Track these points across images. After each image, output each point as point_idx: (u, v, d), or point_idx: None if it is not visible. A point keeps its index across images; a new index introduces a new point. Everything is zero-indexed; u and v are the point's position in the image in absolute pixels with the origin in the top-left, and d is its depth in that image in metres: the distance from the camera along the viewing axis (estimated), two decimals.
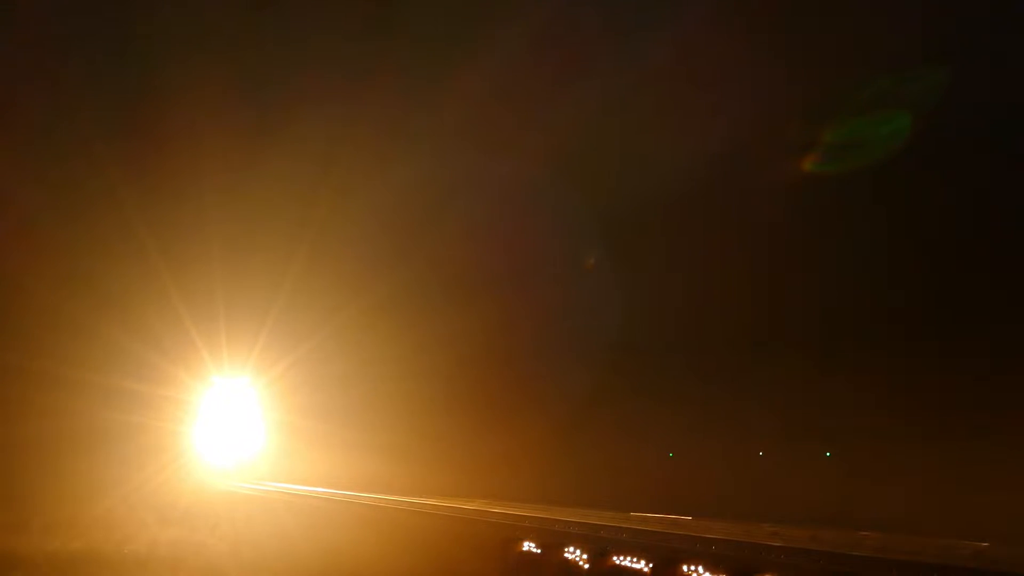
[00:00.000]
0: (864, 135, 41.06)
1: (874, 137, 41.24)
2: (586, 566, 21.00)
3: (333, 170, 45.45)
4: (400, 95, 45.67)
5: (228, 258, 46.41)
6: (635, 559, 20.30)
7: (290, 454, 49.72)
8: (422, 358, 44.84)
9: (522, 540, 22.25)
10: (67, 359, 44.49)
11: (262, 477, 47.15)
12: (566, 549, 21.38)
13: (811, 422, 39.02)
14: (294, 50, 47.39)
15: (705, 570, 19.39)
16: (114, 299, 46.41)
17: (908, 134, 39.52)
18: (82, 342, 45.17)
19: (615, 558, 20.54)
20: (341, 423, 46.49)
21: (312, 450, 47.63)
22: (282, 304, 46.13)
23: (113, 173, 45.27)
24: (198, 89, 44.89)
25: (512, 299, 45.23)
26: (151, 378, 46.39)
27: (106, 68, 48.03)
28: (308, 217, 46.46)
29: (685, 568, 19.48)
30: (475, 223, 44.81)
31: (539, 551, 21.97)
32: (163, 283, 46.03)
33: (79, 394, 43.43)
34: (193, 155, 45.42)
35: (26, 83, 47.14)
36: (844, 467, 36.66)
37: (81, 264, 46.40)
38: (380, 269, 46.48)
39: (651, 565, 19.99)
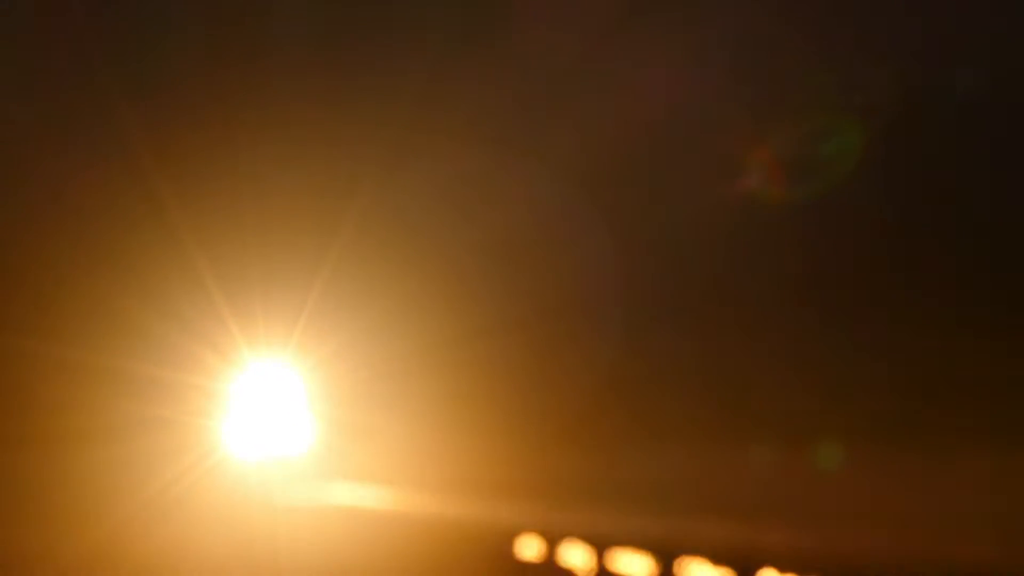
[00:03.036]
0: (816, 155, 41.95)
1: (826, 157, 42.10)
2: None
3: (383, 132, 44.58)
4: (456, 67, 45.57)
5: (265, 235, 44.60)
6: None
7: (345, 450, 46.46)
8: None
9: None
10: (75, 341, 42.04)
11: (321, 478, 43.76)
12: None
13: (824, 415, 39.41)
14: (345, 15, 46.94)
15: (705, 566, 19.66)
16: (133, 270, 44.17)
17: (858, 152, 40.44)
18: (96, 320, 42.95)
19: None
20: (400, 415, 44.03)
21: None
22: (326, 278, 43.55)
23: (137, 139, 43.88)
24: (233, 55, 44.06)
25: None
26: (172, 362, 43.49)
27: (138, 33, 46.90)
28: (355, 185, 45.22)
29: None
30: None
31: None
32: (190, 254, 43.75)
33: (89, 383, 41.25)
34: (227, 121, 44.34)
35: (53, 48, 45.78)
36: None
37: (102, 235, 44.56)
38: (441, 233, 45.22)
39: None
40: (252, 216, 46.80)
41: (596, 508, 27.03)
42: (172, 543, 29.91)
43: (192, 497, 41.65)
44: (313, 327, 45.97)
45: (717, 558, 19.83)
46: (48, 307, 46.36)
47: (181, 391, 45.52)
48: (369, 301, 45.76)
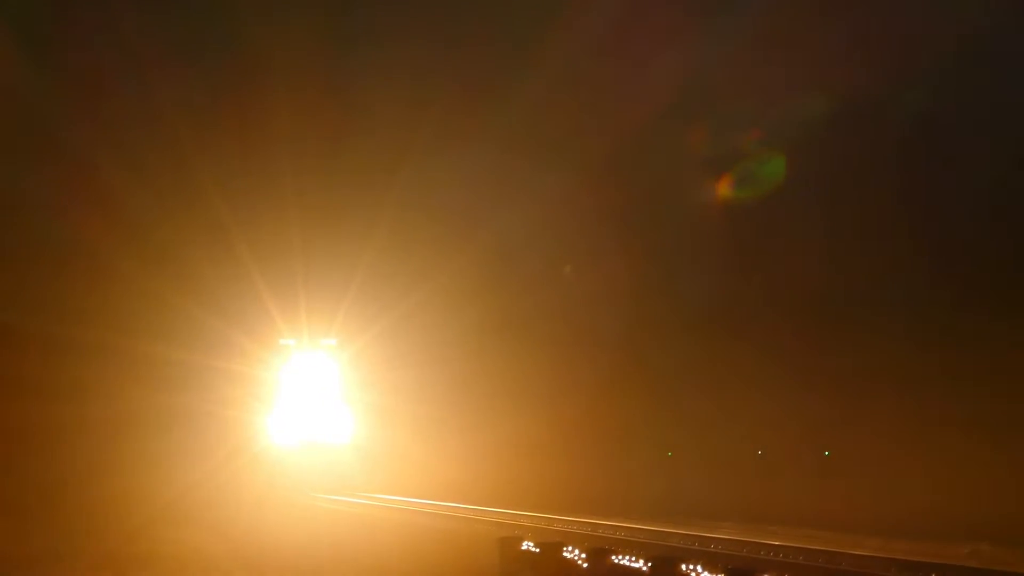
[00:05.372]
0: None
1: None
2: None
3: (421, 129, 45.29)
4: (481, 70, 46.17)
5: (307, 224, 45.04)
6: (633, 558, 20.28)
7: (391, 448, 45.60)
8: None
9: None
10: (121, 328, 42.26)
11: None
12: None
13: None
14: (381, 26, 47.79)
15: (704, 569, 19.40)
16: (181, 265, 44.70)
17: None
18: (144, 310, 43.30)
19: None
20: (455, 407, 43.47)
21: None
22: (367, 267, 43.84)
23: (187, 140, 44.54)
24: (280, 60, 44.86)
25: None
26: (214, 349, 43.57)
27: (189, 36, 47.85)
28: (392, 180, 45.84)
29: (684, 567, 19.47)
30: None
31: None
32: (235, 248, 44.27)
33: (131, 372, 41.43)
34: (276, 120, 45.05)
35: (106, 52, 46.80)
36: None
37: (153, 233, 45.22)
38: (477, 226, 45.72)
39: (650, 564, 19.97)
40: (295, 211, 45.85)
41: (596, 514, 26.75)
42: (208, 534, 29.75)
43: (233, 486, 40.86)
44: (353, 318, 45.00)
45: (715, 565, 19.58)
46: (99, 299, 45.75)
47: (225, 379, 44.90)
48: (406, 294, 44.59)
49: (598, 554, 20.85)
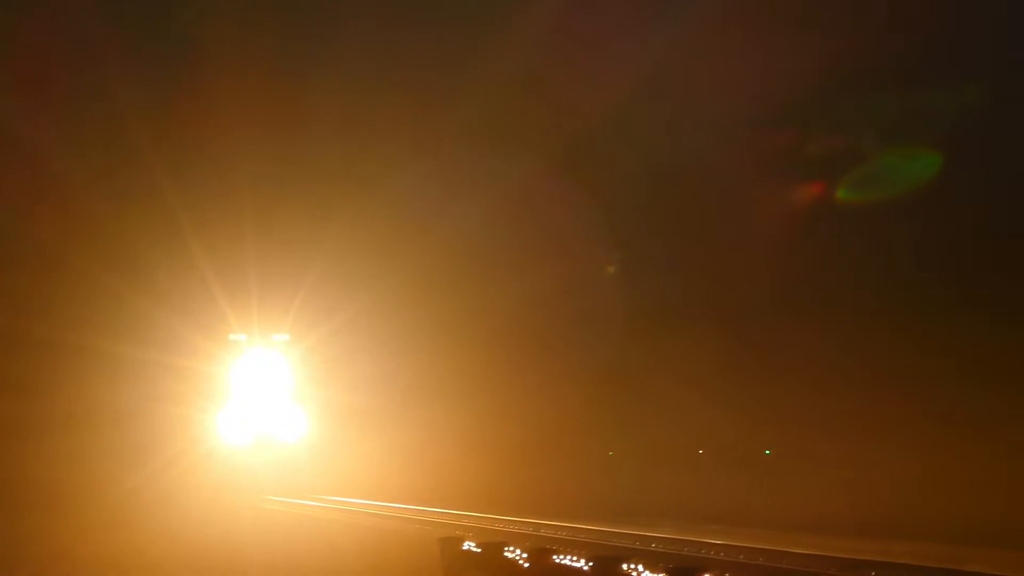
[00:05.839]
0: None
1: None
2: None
3: (377, 123, 44.79)
4: (438, 59, 45.70)
5: (261, 219, 44.42)
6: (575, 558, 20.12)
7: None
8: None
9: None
10: (68, 323, 41.35)
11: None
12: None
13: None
14: (335, 16, 47.24)
15: (645, 568, 19.27)
16: (125, 253, 43.82)
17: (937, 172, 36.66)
18: (92, 305, 42.41)
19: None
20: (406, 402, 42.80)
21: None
22: (320, 268, 43.18)
23: (139, 133, 43.73)
24: (233, 52, 44.22)
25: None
26: (163, 345, 42.69)
27: (140, 30, 47.08)
28: (349, 173, 45.33)
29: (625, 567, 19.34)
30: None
31: None
32: (186, 239, 43.44)
33: (79, 368, 40.61)
34: (229, 113, 44.39)
35: (56, 45, 45.91)
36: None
37: (102, 225, 44.31)
38: (431, 224, 45.24)
39: (592, 564, 19.81)
40: (248, 205, 45.10)
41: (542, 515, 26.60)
42: (155, 536, 29.15)
43: (182, 486, 40.12)
44: (306, 313, 44.39)
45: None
46: (46, 293, 44.85)
47: (175, 376, 43.84)
48: (361, 290, 43.90)
49: (540, 554, 20.67)
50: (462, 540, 22.18)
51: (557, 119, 44.70)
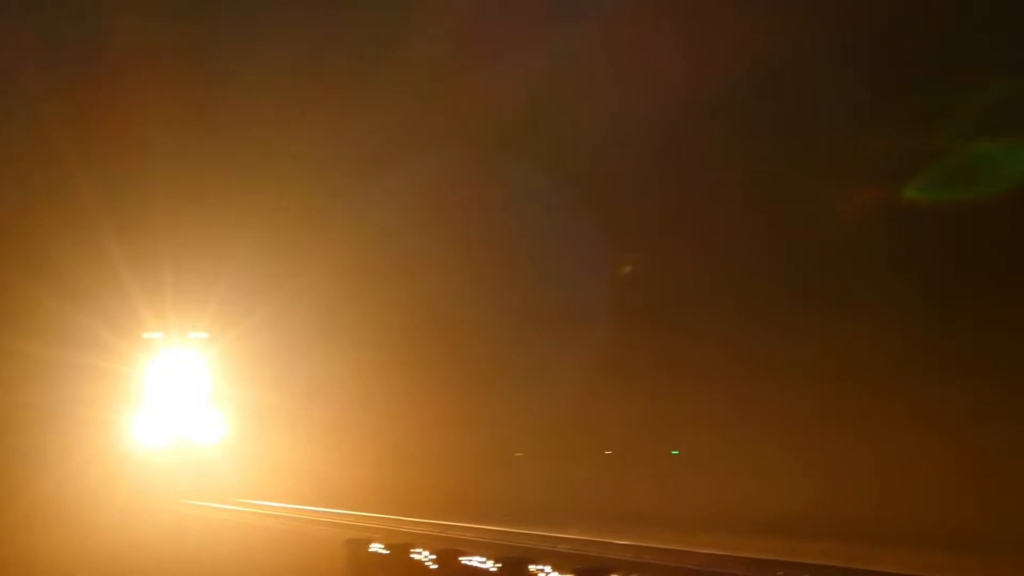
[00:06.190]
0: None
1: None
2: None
3: (296, 115, 44.05)
4: (355, 49, 45.09)
5: (177, 213, 43.36)
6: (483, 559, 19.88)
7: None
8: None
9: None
10: None
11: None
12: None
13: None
14: (250, 6, 46.49)
15: (553, 569, 19.07)
16: (34, 248, 42.39)
17: None
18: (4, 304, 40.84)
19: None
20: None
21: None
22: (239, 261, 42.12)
23: (50, 126, 42.65)
24: (147, 43, 43.35)
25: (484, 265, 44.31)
26: (74, 343, 41.19)
27: (50, 20, 45.85)
28: (269, 166, 44.50)
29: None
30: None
31: None
32: (99, 233, 42.19)
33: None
34: (143, 106, 43.42)
35: None
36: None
37: (10, 219, 42.98)
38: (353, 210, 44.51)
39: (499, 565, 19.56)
40: (163, 198, 44.11)
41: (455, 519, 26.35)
42: (67, 543, 28.29)
43: (96, 491, 39.02)
44: (225, 310, 43.36)
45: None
46: None
47: (87, 376, 42.35)
48: (281, 285, 43.17)
49: (447, 555, 20.42)
50: (369, 542, 21.86)
51: (480, 112, 44.41)
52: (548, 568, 19.38)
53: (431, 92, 44.36)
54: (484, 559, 19.92)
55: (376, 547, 21.50)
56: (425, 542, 21.44)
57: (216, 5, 47.47)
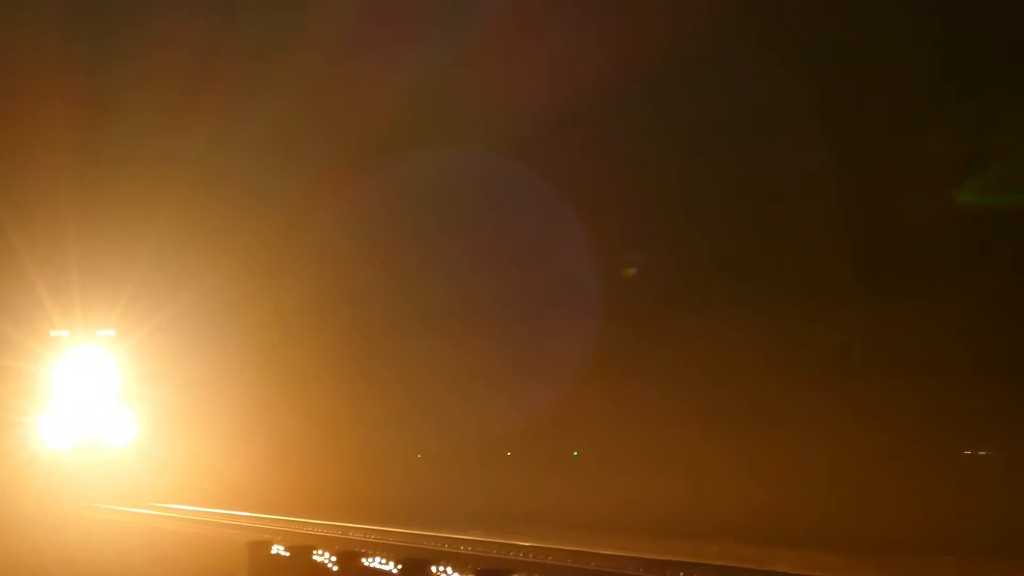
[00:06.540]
0: None
1: None
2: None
3: (201, 110, 43.34)
4: (251, 50, 44.72)
5: (83, 209, 42.46)
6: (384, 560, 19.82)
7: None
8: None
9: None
10: None
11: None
12: None
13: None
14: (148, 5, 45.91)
15: (454, 570, 19.06)
16: None
17: None
18: None
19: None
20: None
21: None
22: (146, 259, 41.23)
23: None
24: (47, 42, 42.54)
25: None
26: None
27: None
28: (178, 160, 43.78)
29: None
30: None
31: None
32: (2, 229, 41.15)
33: None
34: (46, 104, 42.50)
35: None
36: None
37: None
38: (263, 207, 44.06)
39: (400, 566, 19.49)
40: (70, 193, 43.21)
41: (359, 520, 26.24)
42: None
43: (1, 494, 38.05)
44: (134, 307, 42.44)
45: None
46: None
47: None
48: (192, 281, 42.43)
49: (348, 557, 20.28)
50: (270, 544, 21.60)
51: (372, 104, 44.23)
52: (449, 569, 19.37)
53: (316, 94, 44.32)
54: (385, 560, 19.86)
55: (278, 549, 21.28)
56: (327, 544, 21.30)
57: (115, 7, 46.76)
